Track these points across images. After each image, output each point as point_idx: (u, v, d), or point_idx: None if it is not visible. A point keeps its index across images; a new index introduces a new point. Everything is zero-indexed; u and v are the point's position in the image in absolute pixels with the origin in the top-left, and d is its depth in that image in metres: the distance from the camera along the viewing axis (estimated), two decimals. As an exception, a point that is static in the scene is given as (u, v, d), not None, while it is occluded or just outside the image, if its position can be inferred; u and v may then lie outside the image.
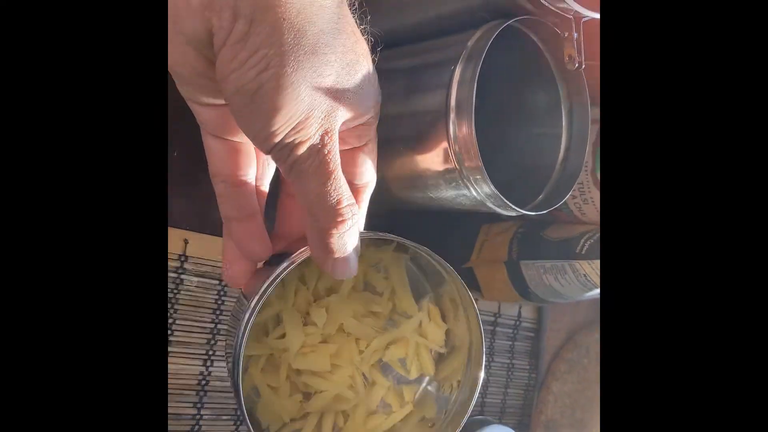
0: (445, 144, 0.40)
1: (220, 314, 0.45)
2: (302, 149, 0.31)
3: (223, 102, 0.34)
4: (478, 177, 0.40)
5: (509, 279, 0.56)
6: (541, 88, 0.47)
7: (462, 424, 0.40)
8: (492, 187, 0.39)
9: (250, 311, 0.36)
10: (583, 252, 0.50)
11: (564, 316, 0.66)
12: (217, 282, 0.44)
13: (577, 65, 0.41)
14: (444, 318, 0.43)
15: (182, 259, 0.43)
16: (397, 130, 0.43)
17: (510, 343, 0.62)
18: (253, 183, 0.38)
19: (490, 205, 0.42)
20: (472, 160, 0.39)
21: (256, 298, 0.37)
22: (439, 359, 0.43)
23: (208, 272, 0.44)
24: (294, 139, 0.30)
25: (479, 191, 0.41)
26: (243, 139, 0.36)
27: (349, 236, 0.33)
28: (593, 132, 0.51)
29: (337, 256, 0.34)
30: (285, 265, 0.37)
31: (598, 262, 0.49)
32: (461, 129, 0.39)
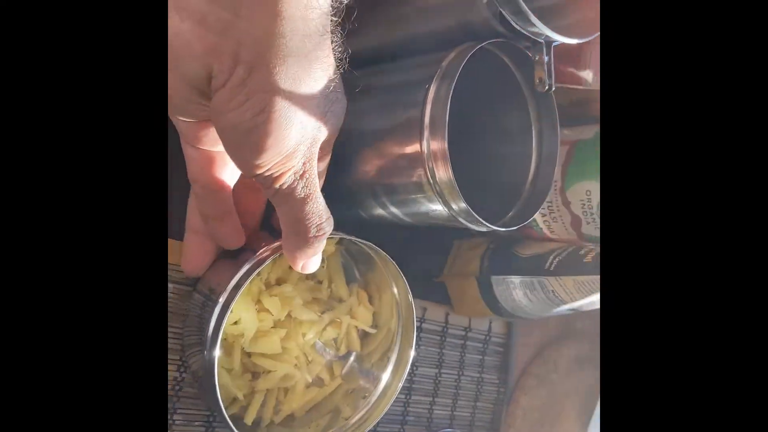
0: (418, 160, 0.41)
1: (195, 322, 0.46)
2: (286, 177, 0.33)
3: (201, 119, 0.35)
4: (450, 193, 0.41)
5: (480, 294, 0.58)
6: (513, 109, 0.48)
7: (392, 398, 0.47)
8: (464, 203, 0.41)
9: (220, 307, 0.39)
10: (552, 269, 0.52)
11: (533, 331, 0.68)
12: (191, 288, 0.45)
13: (547, 88, 0.43)
14: (370, 300, 0.49)
15: (159, 266, 0.43)
16: (372, 146, 0.44)
17: (480, 357, 0.63)
18: (229, 185, 0.40)
19: (462, 220, 0.43)
20: (445, 176, 0.41)
21: (226, 294, 0.39)
22: (364, 336, 0.49)
23: (184, 279, 0.45)
24: (278, 170, 0.33)
25: (451, 207, 0.42)
26: (219, 148, 0.38)
27: (322, 243, 0.36)
28: (562, 152, 0.53)
29: (310, 258, 0.37)
30: (251, 264, 0.40)
31: (566, 279, 0.51)
32: (434, 146, 0.40)
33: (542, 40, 0.42)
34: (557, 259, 0.52)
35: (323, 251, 0.45)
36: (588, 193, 0.51)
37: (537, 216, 0.55)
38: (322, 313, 0.47)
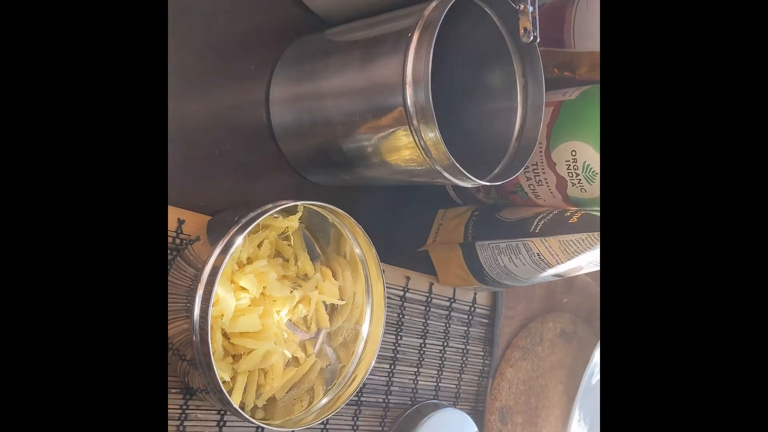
0: (401, 112, 0.40)
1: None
2: None
3: None
4: (434, 144, 0.40)
5: (464, 261, 0.57)
6: (497, 65, 0.47)
7: (371, 363, 0.47)
8: (448, 153, 0.40)
9: (204, 283, 0.39)
10: (537, 231, 0.51)
11: (518, 303, 0.67)
12: (171, 257, 0.44)
13: (531, 38, 0.42)
14: (334, 275, 0.49)
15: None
16: (354, 101, 0.43)
17: (465, 328, 0.62)
18: None
19: (447, 175, 0.42)
20: (429, 127, 0.39)
21: (209, 267, 0.39)
22: (332, 313, 0.49)
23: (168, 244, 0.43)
24: None
25: (435, 160, 0.41)
26: None
27: None
28: (547, 113, 0.52)
29: None
30: (232, 234, 0.40)
31: (551, 240, 0.50)
32: (418, 96, 0.39)
33: (527, -11, 0.41)
34: (542, 222, 0.51)
35: (286, 228, 0.46)
36: (573, 153, 0.50)
37: (522, 179, 0.54)
38: (292, 290, 0.46)
